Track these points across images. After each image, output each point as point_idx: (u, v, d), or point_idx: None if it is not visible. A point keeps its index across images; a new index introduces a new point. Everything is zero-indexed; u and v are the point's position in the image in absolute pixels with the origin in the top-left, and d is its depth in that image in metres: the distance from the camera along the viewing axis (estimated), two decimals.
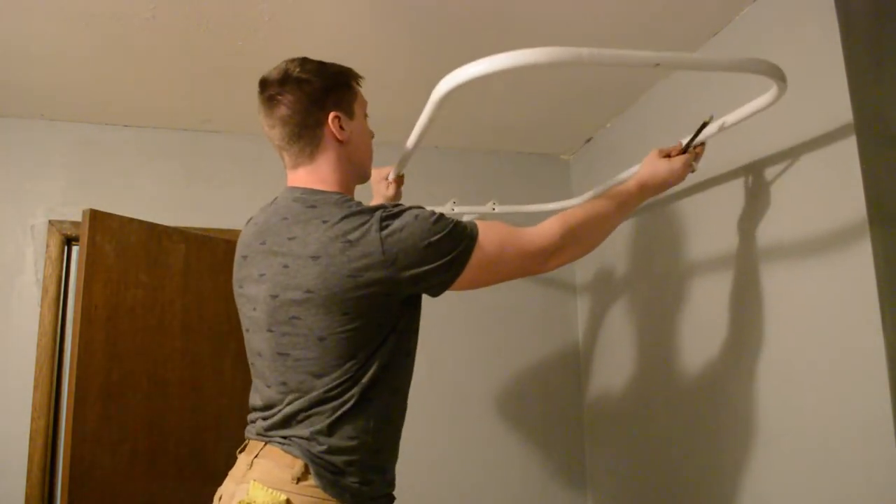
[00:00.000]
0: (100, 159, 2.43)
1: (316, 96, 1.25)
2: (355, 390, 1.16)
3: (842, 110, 1.42)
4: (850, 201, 1.39)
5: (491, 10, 1.76)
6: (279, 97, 1.25)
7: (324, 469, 1.14)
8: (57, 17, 1.76)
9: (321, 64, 1.30)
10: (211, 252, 2.24)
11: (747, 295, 1.70)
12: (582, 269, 2.69)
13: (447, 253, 1.16)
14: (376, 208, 1.17)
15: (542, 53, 1.14)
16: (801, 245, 1.53)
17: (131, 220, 2.05)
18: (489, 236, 1.21)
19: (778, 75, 1.34)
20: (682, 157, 1.54)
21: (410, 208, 1.18)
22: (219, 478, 1.27)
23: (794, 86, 1.41)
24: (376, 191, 1.71)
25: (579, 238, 1.31)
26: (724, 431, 1.76)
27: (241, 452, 1.27)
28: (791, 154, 1.57)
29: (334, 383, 1.16)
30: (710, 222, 1.87)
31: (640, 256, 2.26)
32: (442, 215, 1.19)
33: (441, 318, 2.55)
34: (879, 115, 1.43)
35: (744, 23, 1.76)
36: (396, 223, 1.14)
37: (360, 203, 1.20)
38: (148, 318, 2.05)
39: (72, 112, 2.36)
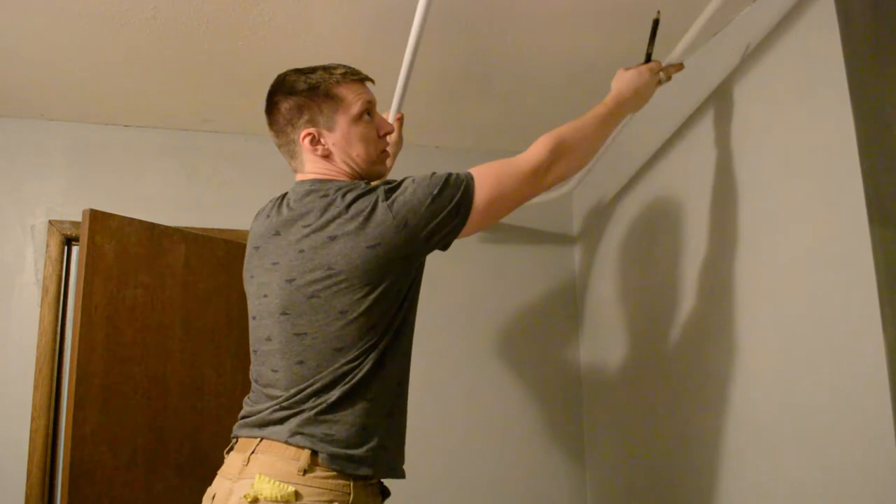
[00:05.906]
0: (100, 159, 2.43)
1: (289, 117, 1.33)
2: (373, 355, 1.22)
3: (842, 110, 1.42)
4: (850, 201, 1.39)
5: (486, 8, 1.76)
6: (269, 115, 1.36)
7: (336, 446, 1.16)
8: (57, 17, 1.76)
9: (299, 77, 1.33)
10: (211, 252, 2.24)
11: (747, 294, 1.70)
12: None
13: (451, 200, 1.24)
14: (378, 185, 1.26)
15: None
16: (802, 245, 1.53)
17: (131, 220, 2.06)
18: (483, 173, 1.30)
19: None
20: (647, 65, 1.61)
21: (407, 177, 1.27)
22: None
23: (794, 86, 1.41)
24: None
25: (567, 152, 1.38)
26: (723, 430, 1.76)
27: (230, 451, 1.27)
28: (791, 154, 1.57)
29: (354, 353, 1.21)
30: (710, 222, 1.87)
31: (639, 249, 2.26)
32: (435, 172, 1.27)
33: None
34: (879, 115, 1.43)
35: (744, 23, 1.76)
36: (398, 190, 1.24)
37: (366, 184, 1.29)
38: (148, 318, 2.05)
39: (72, 112, 2.36)
